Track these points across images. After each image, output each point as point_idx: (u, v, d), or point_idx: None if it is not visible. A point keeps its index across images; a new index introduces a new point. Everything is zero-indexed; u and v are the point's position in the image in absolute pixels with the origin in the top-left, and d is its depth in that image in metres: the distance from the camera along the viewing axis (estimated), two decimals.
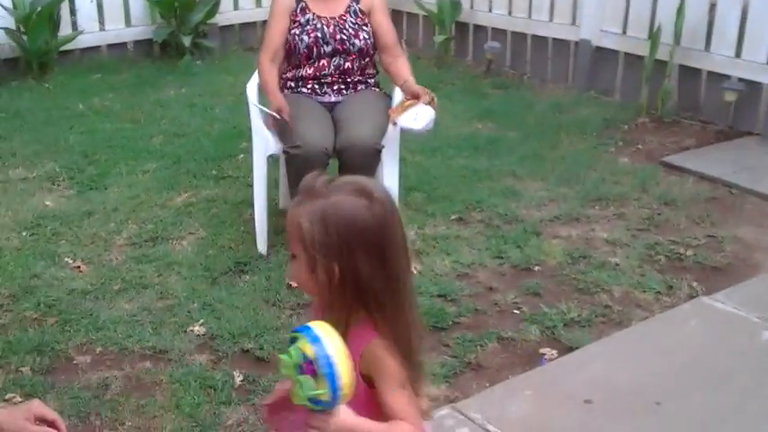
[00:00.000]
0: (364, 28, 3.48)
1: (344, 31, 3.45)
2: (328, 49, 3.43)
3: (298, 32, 3.44)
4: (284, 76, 3.57)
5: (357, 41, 3.44)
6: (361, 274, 1.44)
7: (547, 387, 2.61)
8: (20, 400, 2.50)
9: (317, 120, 3.35)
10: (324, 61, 3.45)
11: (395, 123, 3.31)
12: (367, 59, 3.53)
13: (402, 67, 3.51)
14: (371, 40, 3.49)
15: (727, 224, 3.73)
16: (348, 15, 3.49)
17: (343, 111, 3.42)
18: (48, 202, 3.87)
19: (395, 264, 1.48)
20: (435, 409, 2.48)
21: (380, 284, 1.46)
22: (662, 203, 3.93)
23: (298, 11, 3.49)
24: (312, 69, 3.47)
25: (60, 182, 4.10)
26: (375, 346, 1.47)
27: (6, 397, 2.52)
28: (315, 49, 3.43)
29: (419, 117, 3.26)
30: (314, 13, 3.47)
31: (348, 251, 1.43)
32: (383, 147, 3.32)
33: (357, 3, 3.51)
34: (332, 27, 3.44)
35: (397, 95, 3.50)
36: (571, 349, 2.82)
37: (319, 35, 3.42)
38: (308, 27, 3.44)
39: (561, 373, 2.68)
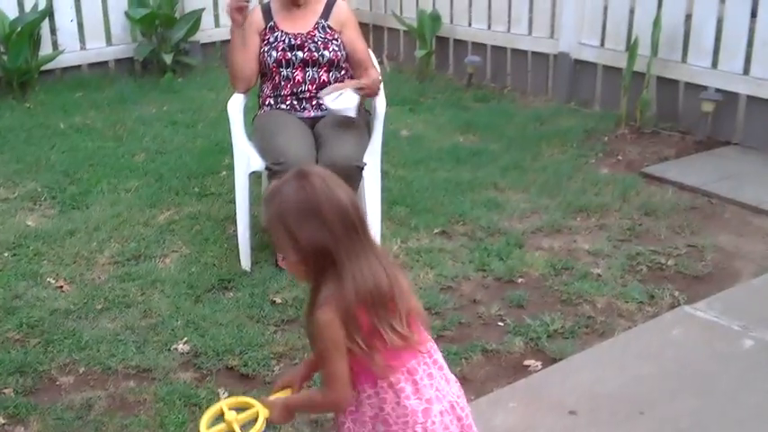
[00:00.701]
0: (333, 41, 3.51)
1: (313, 44, 3.47)
2: (297, 58, 3.44)
3: (266, 49, 3.49)
4: (262, 94, 3.59)
5: (326, 53, 3.47)
6: (314, 241, 1.63)
7: (531, 398, 2.62)
8: (2, 421, 2.49)
9: (297, 136, 3.36)
10: (298, 76, 3.47)
11: (322, 102, 3.37)
12: (342, 72, 3.54)
13: (370, 75, 3.52)
14: (342, 52, 3.51)
15: (708, 233, 3.77)
16: (317, 31, 3.52)
17: (325, 127, 3.43)
18: (29, 222, 3.85)
19: (340, 225, 1.63)
20: None
21: (332, 245, 1.62)
22: (643, 213, 3.97)
23: (267, 29, 3.52)
24: (288, 85, 3.48)
25: (42, 201, 4.08)
26: (309, 323, 1.67)
27: None
28: (284, 61, 3.45)
29: (340, 99, 3.31)
30: (282, 31, 3.51)
31: (298, 228, 1.63)
32: (365, 164, 3.34)
33: (326, 20, 3.55)
34: (299, 40, 3.47)
35: (379, 106, 3.50)
36: (555, 360, 2.84)
37: (287, 47, 3.45)
38: (276, 43, 3.47)
39: (546, 384, 2.69)
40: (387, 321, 1.65)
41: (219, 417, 1.81)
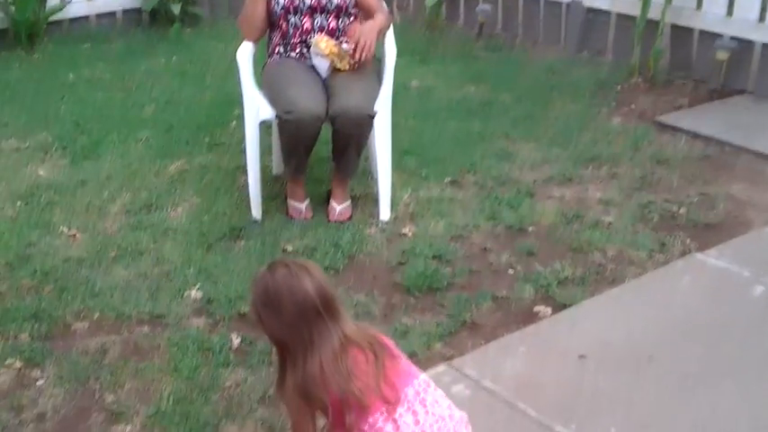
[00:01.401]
0: None
1: None
2: (305, 5, 3.39)
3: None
4: (271, 43, 3.56)
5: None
6: (273, 332, 1.80)
7: (541, 344, 2.64)
8: (19, 365, 2.52)
9: (308, 85, 3.34)
10: (306, 23, 3.42)
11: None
12: (351, 19, 3.49)
13: (376, 18, 3.42)
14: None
15: (720, 182, 3.75)
16: None
17: (335, 76, 3.40)
18: (41, 172, 3.86)
19: (298, 317, 1.75)
20: (431, 366, 2.52)
21: (288, 338, 1.76)
22: (655, 163, 3.94)
23: None
24: (297, 33, 3.44)
25: (53, 152, 4.09)
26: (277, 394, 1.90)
27: (6, 363, 2.54)
28: (291, 8, 3.40)
29: (316, 52, 3.36)
30: None
31: (264, 317, 1.79)
32: (376, 113, 3.32)
33: None
34: None
35: (389, 55, 3.47)
36: (565, 307, 2.85)
37: None
38: None
39: (555, 330, 2.71)
40: (350, 390, 1.73)
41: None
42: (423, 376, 1.86)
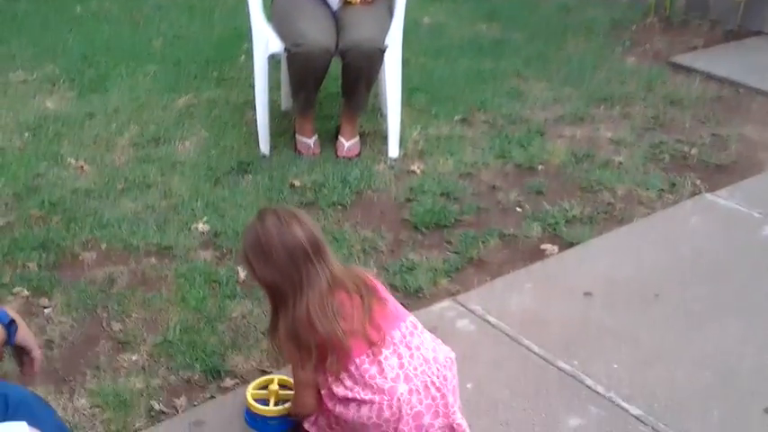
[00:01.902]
0: None
1: None
2: None
3: None
4: None
5: None
6: (265, 278, 1.81)
7: (547, 280, 2.63)
8: (27, 293, 2.54)
9: (318, 18, 3.29)
10: None
11: None
12: None
13: None
14: None
15: (733, 123, 3.70)
16: None
17: (346, 9, 3.35)
18: (49, 104, 3.84)
19: (289, 263, 1.77)
20: (437, 301, 2.53)
21: (280, 282, 1.79)
22: (668, 103, 3.90)
23: None
24: None
25: (61, 84, 4.06)
26: (271, 341, 1.92)
27: (14, 291, 2.55)
28: None
29: None
30: None
31: (255, 265, 1.81)
32: (387, 47, 3.27)
33: None
34: None
35: None
36: (572, 245, 2.84)
37: None
38: None
39: (562, 268, 2.71)
40: (333, 332, 1.76)
41: (265, 387, 2.08)
42: (410, 318, 1.88)
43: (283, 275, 1.79)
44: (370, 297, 1.82)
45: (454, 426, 1.81)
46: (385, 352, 1.78)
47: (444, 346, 1.87)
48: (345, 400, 1.79)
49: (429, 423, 1.77)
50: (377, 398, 1.75)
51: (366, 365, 1.77)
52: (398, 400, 1.74)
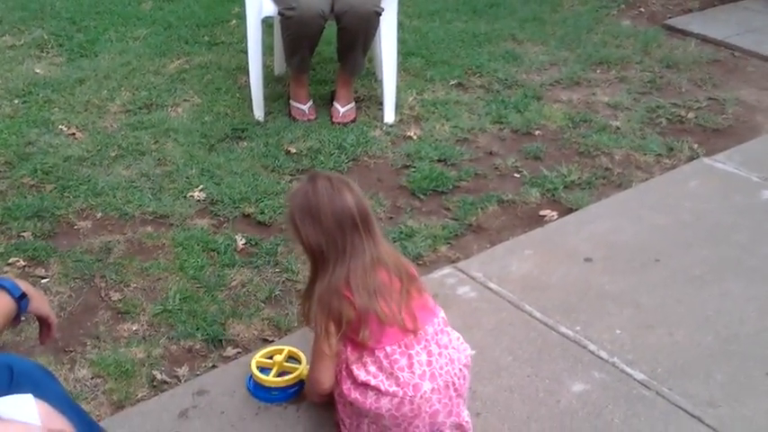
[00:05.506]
0: None
1: None
2: None
3: None
4: None
5: None
6: (311, 241, 1.77)
7: (547, 246, 2.63)
8: (23, 263, 2.52)
9: None
10: None
11: None
12: None
13: None
14: None
15: (729, 86, 3.69)
16: None
17: None
18: (38, 70, 3.78)
19: (337, 229, 1.75)
20: (437, 268, 2.52)
21: (326, 247, 1.75)
22: (664, 66, 3.87)
23: None
24: None
25: (49, 49, 3.99)
26: (303, 305, 1.87)
27: (10, 261, 2.52)
28: None
29: None
30: None
31: (301, 227, 1.77)
32: (383, 9, 3.22)
33: None
34: None
35: None
36: (571, 210, 2.83)
37: None
38: None
39: (562, 233, 2.70)
40: (373, 308, 1.73)
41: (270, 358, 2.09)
42: (441, 314, 1.85)
43: (328, 240, 1.75)
44: (409, 283, 1.80)
45: (463, 423, 1.81)
46: (416, 347, 1.76)
47: (465, 344, 1.86)
48: (364, 387, 1.76)
49: (441, 421, 1.77)
50: (400, 392, 1.73)
51: (397, 356, 1.75)
52: (421, 397, 1.73)
